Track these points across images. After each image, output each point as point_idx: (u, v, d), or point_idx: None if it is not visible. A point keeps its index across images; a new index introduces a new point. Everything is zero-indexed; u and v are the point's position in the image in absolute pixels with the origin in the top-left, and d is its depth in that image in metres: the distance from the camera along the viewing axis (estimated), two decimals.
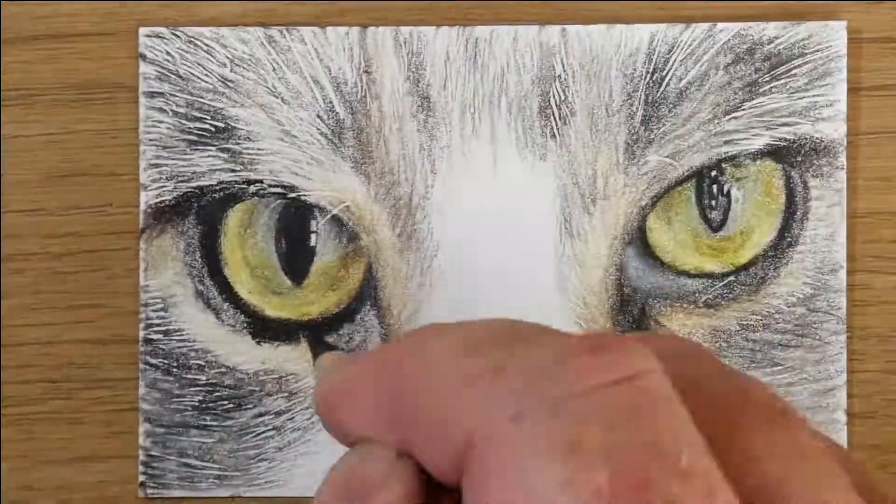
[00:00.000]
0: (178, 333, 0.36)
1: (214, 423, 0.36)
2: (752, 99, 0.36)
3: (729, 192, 0.36)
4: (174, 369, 0.36)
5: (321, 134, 0.36)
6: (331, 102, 0.36)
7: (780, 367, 0.36)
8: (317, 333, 0.36)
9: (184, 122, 0.36)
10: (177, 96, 0.36)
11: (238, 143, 0.36)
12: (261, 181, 0.36)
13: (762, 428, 0.17)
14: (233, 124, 0.36)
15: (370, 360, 0.20)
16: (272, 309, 0.36)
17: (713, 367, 0.18)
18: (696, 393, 0.17)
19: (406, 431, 0.19)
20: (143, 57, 0.37)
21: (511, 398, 0.16)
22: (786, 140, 0.36)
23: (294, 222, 0.36)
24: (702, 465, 0.15)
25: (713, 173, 0.36)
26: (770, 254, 0.36)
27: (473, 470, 0.17)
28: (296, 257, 0.36)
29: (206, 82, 0.36)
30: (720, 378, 0.18)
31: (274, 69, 0.36)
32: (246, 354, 0.36)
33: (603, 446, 0.15)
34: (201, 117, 0.36)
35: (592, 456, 0.15)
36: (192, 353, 0.36)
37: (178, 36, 0.37)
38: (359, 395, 0.19)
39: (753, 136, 0.36)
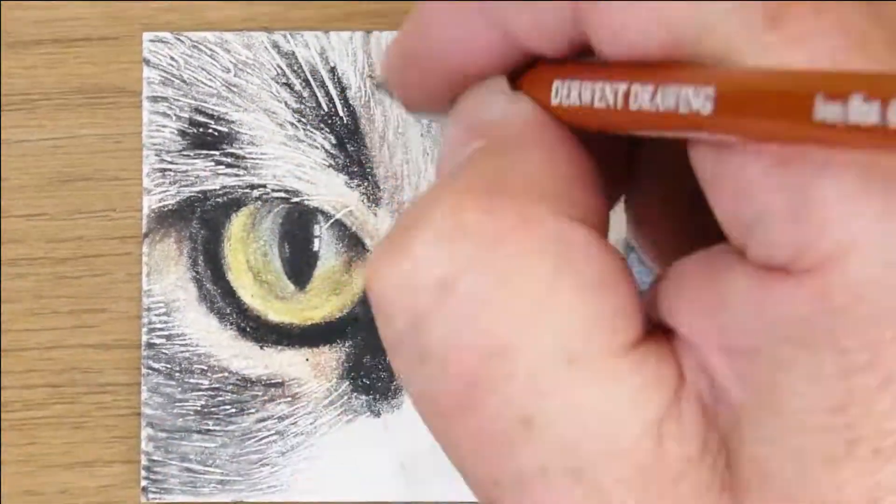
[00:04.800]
0: (181, 338, 0.36)
1: (217, 428, 0.36)
2: None
3: None
4: (177, 374, 0.36)
5: (324, 138, 0.36)
6: (335, 107, 0.36)
7: None
8: (318, 338, 0.36)
9: (187, 126, 0.36)
10: (180, 101, 0.36)
11: (241, 148, 0.36)
12: (264, 186, 0.36)
13: None
14: (236, 129, 0.36)
15: None
16: (275, 313, 0.36)
17: None
18: None
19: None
20: (147, 61, 0.37)
21: None
22: None
23: (297, 227, 0.36)
24: None
25: None
26: None
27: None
28: (299, 262, 0.36)
29: (210, 87, 0.36)
30: None
31: (277, 74, 0.36)
32: (249, 359, 0.36)
33: None
34: (205, 122, 0.36)
35: None
36: (195, 358, 0.36)
37: (181, 41, 0.37)
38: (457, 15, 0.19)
39: None
